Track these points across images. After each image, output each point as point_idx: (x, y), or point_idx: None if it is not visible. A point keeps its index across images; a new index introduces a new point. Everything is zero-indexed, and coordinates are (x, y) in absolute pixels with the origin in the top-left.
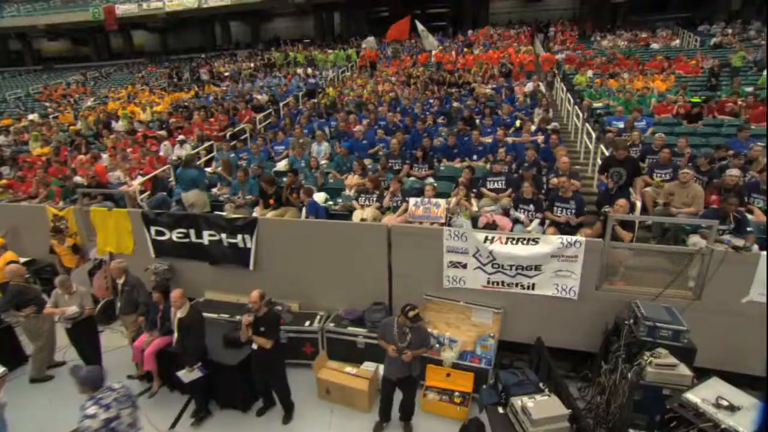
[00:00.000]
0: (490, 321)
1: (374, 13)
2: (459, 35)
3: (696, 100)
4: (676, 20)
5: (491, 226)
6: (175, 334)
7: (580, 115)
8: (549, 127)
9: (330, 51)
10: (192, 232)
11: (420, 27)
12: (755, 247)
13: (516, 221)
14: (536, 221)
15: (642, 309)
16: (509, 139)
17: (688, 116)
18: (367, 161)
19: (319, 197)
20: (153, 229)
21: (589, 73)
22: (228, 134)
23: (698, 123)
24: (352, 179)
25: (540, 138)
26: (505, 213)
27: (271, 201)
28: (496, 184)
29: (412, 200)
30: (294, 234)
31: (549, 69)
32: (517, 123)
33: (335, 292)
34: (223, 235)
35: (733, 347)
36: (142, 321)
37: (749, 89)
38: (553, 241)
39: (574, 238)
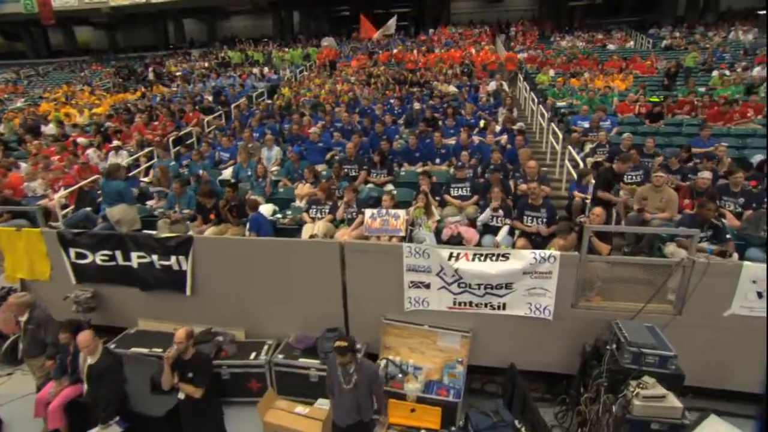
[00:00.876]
0: (458, 345)
1: (335, 12)
2: (421, 34)
3: (655, 99)
4: (628, 23)
5: (456, 239)
6: (85, 385)
7: (545, 114)
8: (515, 127)
9: (287, 49)
10: (118, 253)
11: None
12: (735, 254)
13: (483, 233)
14: (506, 228)
15: (625, 332)
16: (475, 139)
17: (650, 115)
18: (323, 167)
19: (267, 209)
20: (72, 251)
21: (551, 72)
22: (170, 139)
23: (659, 122)
24: (303, 188)
25: (504, 139)
26: (471, 223)
27: (212, 216)
28: (460, 191)
29: (368, 212)
30: (236, 254)
31: (513, 68)
32: (481, 123)
33: (285, 317)
34: (155, 257)
35: (714, 363)
36: (51, 365)
37: (702, 89)
38: (524, 257)
39: (547, 252)
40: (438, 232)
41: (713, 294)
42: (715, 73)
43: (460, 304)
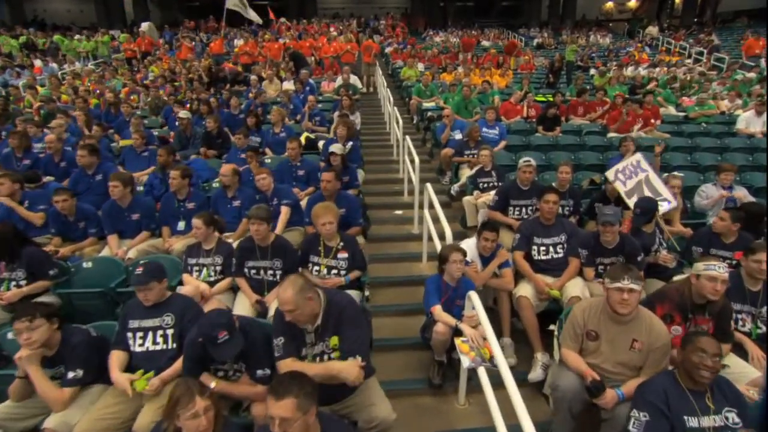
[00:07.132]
0: None
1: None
2: (273, 25)
3: (542, 99)
4: (498, 25)
5: None
6: None
7: (399, 120)
8: (333, 148)
9: (80, 37)
10: None
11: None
12: None
13: None
14: None
15: None
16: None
17: (543, 120)
18: None
19: None
20: None
21: (420, 66)
22: None
23: (557, 130)
24: None
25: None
26: None
27: None
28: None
29: None
30: None
31: (370, 60)
32: (303, 137)
33: None
34: None
35: None
36: None
37: (588, 87)
38: None
39: None
40: None
41: None
42: (593, 71)
43: None
